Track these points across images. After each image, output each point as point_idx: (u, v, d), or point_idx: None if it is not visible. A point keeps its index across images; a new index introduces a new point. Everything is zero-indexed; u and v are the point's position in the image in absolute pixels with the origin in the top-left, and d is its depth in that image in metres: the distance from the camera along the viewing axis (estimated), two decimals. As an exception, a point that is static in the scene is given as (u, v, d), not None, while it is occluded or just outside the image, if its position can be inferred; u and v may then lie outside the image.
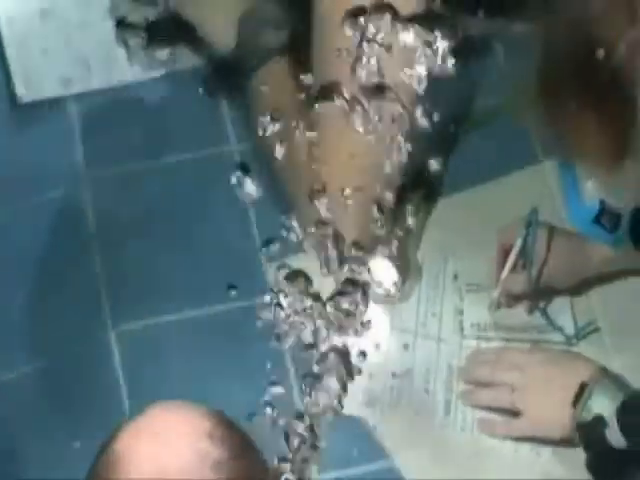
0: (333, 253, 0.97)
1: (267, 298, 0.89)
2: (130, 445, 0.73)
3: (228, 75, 1.28)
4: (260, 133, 0.98)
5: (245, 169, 0.96)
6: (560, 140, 0.98)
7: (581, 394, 1.07)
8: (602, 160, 0.94)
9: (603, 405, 1.05)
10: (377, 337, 1.17)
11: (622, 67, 0.88)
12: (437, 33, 0.99)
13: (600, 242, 1.14)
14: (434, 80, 0.97)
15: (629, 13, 0.86)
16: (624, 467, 1.00)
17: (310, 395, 0.91)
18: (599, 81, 0.89)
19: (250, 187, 0.96)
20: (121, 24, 1.33)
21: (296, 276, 0.92)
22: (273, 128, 0.99)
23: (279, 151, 0.98)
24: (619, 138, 0.91)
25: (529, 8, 1.10)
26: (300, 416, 0.88)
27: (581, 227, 1.10)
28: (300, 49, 1.19)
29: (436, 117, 0.95)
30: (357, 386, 1.14)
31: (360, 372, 0.92)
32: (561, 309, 1.23)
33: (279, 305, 0.90)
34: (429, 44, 1.00)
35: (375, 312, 1.17)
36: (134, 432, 0.74)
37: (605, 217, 1.09)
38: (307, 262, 0.90)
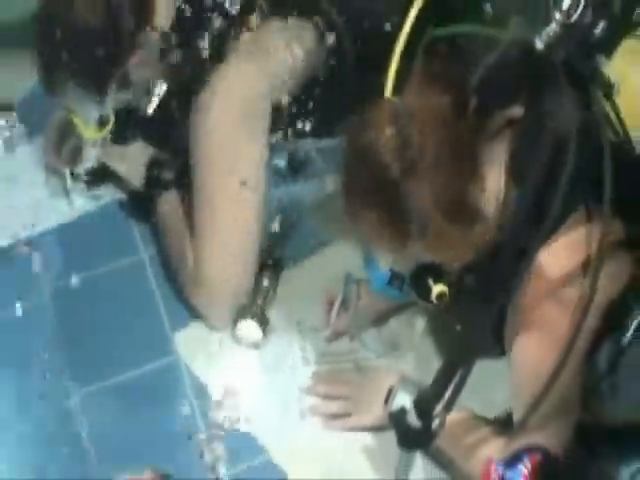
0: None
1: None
2: None
3: (140, 202, 1.89)
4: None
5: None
6: (358, 234, 1.38)
7: (389, 395, 1.50)
8: (386, 245, 1.32)
9: (404, 400, 1.42)
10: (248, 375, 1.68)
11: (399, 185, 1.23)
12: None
13: (395, 298, 1.61)
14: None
15: None
16: (420, 439, 1.33)
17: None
18: (377, 192, 1.25)
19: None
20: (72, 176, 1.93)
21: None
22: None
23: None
24: (397, 231, 1.27)
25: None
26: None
27: (380, 289, 1.50)
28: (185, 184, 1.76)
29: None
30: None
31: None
32: (372, 336, 1.74)
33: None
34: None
35: (245, 356, 1.69)
36: None
37: (395, 280, 1.44)
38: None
